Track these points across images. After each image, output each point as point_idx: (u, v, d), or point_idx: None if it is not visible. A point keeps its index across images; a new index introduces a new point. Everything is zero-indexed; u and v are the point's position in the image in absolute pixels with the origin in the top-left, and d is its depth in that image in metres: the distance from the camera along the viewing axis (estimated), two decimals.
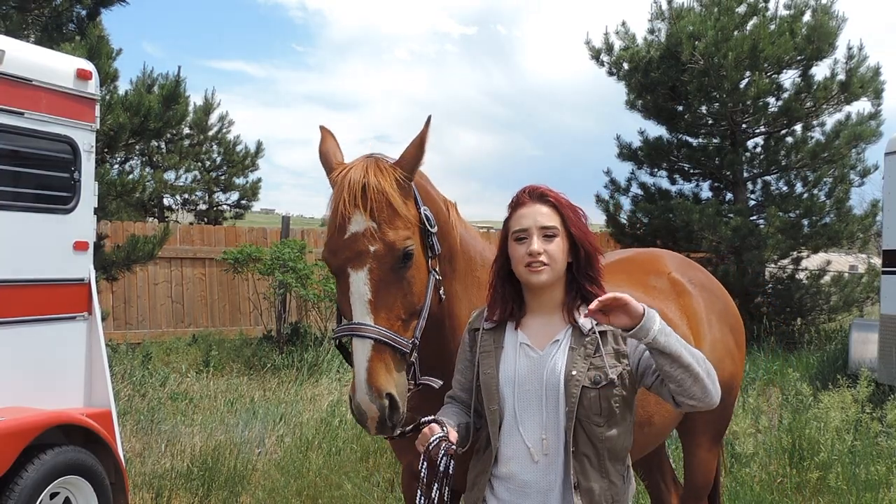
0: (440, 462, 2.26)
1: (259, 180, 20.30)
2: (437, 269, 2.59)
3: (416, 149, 2.53)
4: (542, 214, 2.41)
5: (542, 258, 2.37)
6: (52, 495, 4.27)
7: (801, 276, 13.76)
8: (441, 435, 2.29)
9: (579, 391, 2.31)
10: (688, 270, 3.89)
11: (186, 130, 18.66)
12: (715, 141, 13.77)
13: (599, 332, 2.39)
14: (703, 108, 13.59)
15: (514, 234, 2.43)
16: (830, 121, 13.36)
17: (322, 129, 2.67)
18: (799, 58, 12.81)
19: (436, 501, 2.29)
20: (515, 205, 2.47)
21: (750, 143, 13.88)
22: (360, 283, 2.35)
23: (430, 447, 2.27)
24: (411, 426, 2.43)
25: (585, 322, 2.40)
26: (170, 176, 18.42)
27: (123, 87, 9.09)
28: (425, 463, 2.28)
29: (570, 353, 2.37)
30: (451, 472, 2.28)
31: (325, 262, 2.45)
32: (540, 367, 2.37)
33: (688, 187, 14.37)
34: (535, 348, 2.41)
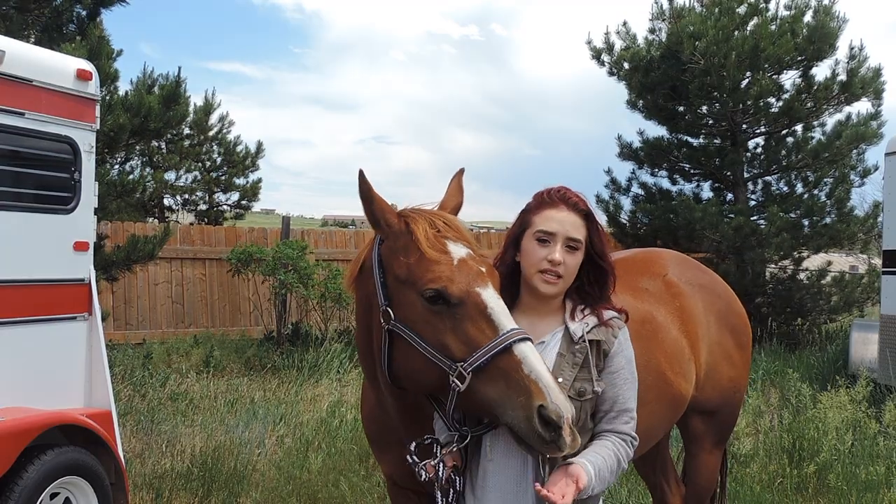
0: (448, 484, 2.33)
1: (259, 180, 20.28)
2: None
3: (457, 195, 2.62)
4: (573, 225, 2.38)
5: (559, 269, 2.35)
6: (53, 496, 4.26)
7: (802, 276, 13.75)
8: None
9: None
10: (686, 271, 3.81)
11: (187, 131, 18.64)
12: (716, 141, 13.77)
13: (589, 342, 2.36)
14: (704, 108, 13.59)
15: (537, 233, 2.39)
16: (831, 121, 13.38)
17: (362, 175, 2.45)
18: (800, 58, 12.80)
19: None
20: (545, 204, 2.43)
21: (751, 144, 13.88)
22: (494, 296, 2.30)
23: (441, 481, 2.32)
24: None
25: (577, 328, 2.38)
26: (170, 176, 18.40)
27: (123, 87, 9.09)
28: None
29: (557, 359, 2.34)
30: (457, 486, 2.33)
31: (442, 292, 2.28)
32: None
33: (688, 187, 14.38)
34: None
